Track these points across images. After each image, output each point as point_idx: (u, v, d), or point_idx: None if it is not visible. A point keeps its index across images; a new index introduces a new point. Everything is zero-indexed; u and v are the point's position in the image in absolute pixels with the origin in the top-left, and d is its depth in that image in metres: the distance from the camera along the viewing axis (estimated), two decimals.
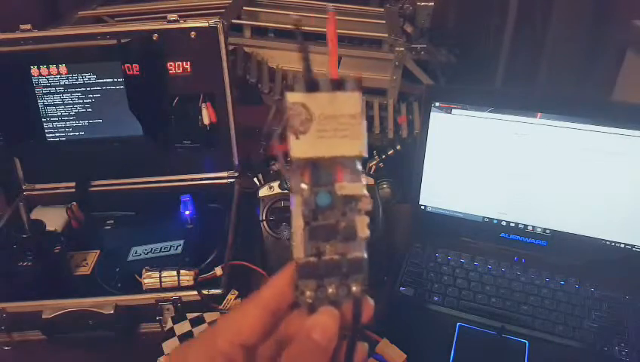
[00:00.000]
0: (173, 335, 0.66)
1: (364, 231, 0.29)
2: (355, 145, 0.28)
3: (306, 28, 1.08)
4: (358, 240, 0.29)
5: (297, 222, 0.28)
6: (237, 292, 0.70)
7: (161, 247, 0.78)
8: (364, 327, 0.29)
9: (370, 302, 0.30)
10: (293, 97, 0.26)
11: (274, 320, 0.30)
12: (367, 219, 0.29)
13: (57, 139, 0.88)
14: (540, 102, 0.76)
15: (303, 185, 0.28)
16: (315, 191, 0.28)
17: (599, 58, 1.21)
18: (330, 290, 0.28)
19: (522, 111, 0.76)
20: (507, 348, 0.68)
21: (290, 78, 0.31)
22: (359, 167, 0.29)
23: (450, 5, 1.30)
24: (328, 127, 0.27)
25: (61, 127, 0.87)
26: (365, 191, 0.29)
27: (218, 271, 0.72)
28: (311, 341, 0.28)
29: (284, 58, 1.08)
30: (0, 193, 0.95)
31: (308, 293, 0.28)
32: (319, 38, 1.11)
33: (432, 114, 0.80)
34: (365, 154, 0.28)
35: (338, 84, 0.27)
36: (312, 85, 0.27)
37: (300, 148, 0.27)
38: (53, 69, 0.83)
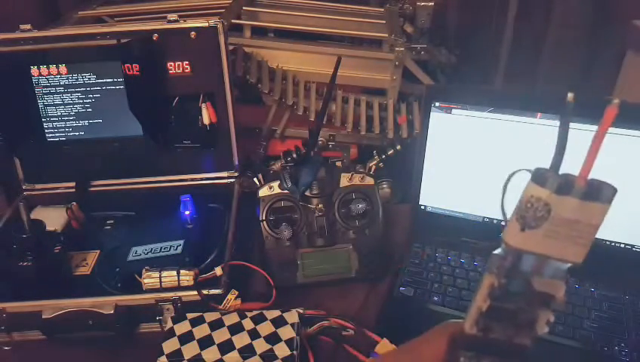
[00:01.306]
0: (174, 335, 0.66)
1: (542, 328, 0.28)
2: (580, 253, 0.27)
3: (306, 28, 1.08)
4: (531, 332, 0.28)
5: (481, 299, 0.29)
6: (237, 292, 0.70)
7: (161, 247, 0.78)
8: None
9: None
10: (537, 192, 0.25)
11: None
12: (552, 317, 0.28)
13: (57, 139, 0.88)
14: (540, 102, 0.76)
15: (497, 270, 0.28)
16: (511, 277, 0.27)
17: (599, 58, 1.21)
18: None
19: (522, 111, 0.76)
20: None
21: (541, 172, 0.27)
22: (566, 268, 0.28)
23: (450, 5, 1.30)
24: (561, 231, 0.26)
25: (61, 127, 0.87)
26: (563, 294, 0.28)
27: (218, 271, 0.72)
28: None
29: (284, 58, 1.08)
30: (0, 193, 0.95)
31: (462, 360, 0.30)
32: (319, 38, 1.11)
33: (432, 114, 0.80)
34: (581, 262, 0.27)
35: (592, 193, 0.25)
36: (564, 188, 0.25)
37: (520, 239, 0.26)
38: (53, 68, 0.83)
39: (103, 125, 0.88)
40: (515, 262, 0.27)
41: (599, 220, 0.26)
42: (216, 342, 0.64)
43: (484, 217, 0.83)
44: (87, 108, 0.87)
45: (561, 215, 0.25)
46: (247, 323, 0.67)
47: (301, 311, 0.69)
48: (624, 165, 0.73)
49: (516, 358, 0.29)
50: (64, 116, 0.87)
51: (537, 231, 0.26)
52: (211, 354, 0.63)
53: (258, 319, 0.68)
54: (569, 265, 0.27)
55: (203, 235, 0.80)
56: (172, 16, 0.82)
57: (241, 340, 0.64)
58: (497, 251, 0.28)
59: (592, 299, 0.74)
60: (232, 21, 1.04)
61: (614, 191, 0.25)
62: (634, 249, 0.77)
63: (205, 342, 0.64)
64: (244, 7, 1.12)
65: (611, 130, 0.78)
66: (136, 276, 0.72)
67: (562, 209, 0.25)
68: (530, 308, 0.28)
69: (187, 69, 0.84)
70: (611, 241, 0.77)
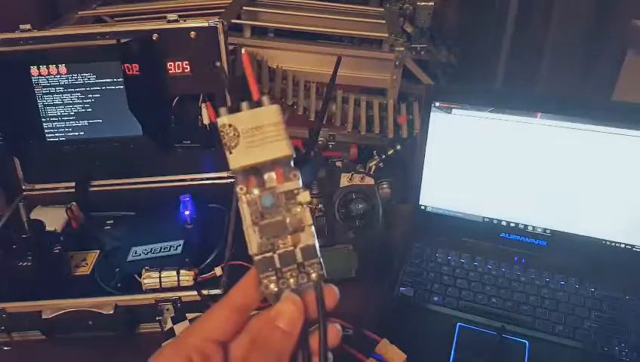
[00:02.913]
0: (173, 335, 0.66)
1: (308, 220, 0.32)
2: (282, 146, 0.31)
3: (306, 28, 1.08)
4: (306, 229, 0.33)
5: (247, 222, 0.33)
6: None
7: (161, 247, 0.78)
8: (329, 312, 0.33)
9: (334, 288, 0.33)
10: (221, 120, 0.31)
11: (242, 317, 0.33)
12: (307, 210, 0.33)
13: (57, 139, 0.88)
14: (540, 102, 0.76)
15: (250, 190, 0.32)
16: (260, 194, 0.32)
17: (599, 58, 1.20)
18: (291, 280, 0.32)
19: (522, 111, 0.76)
20: (507, 348, 0.68)
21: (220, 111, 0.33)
22: (292, 164, 0.33)
23: (450, 5, 1.30)
24: (255, 138, 0.31)
25: (61, 127, 0.87)
26: (300, 185, 0.33)
27: (218, 271, 0.72)
28: (276, 328, 0.31)
29: (284, 58, 1.08)
30: (0, 193, 0.95)
31: (271, 286, 0.32)
32: (319, 38, 1.11)
33: (432, 114, 0.80)
34: (292, 153, 0.32)
35: (257, 103, 0.32)
36: (236, 109, 0.32)
37: (234, 160, 0.31)
38: (52, 68, 0.83)
39: (103, 125, 0.88)
40: (256, 182, 0.32)
41: (275, 118, 0.31)
42: None
43: (484, 217, 0.83)
44: (87, 108, 0.87)
45: (245, 127, 0.31)
46: None
47: None
48: (624, 165, 0.73)
49: (312, 258, 0.32)
50: (64, 116, 0.87)
51: (240, 147, 0.31)
52: None
53: None
54: (291, 162, 0.32)
55: (203, 235, 0.80)
56: (172, 16, 0.82)
57: None
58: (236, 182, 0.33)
59: (593, 299, 0.74)
60: (232, 21, 1.04)
61: (272, 97, 0.32)
62: (634, 249, 0.77)
63: None
64: (244, 7, 1.12)
65: (612, 130, 0.78)
66: (135, 276, 0.72)
67: (242, 122, 0.31)
68: (290, 212, 0.32)
69: (187, 68, 0.84)
70: (611, 241, 0.77)
